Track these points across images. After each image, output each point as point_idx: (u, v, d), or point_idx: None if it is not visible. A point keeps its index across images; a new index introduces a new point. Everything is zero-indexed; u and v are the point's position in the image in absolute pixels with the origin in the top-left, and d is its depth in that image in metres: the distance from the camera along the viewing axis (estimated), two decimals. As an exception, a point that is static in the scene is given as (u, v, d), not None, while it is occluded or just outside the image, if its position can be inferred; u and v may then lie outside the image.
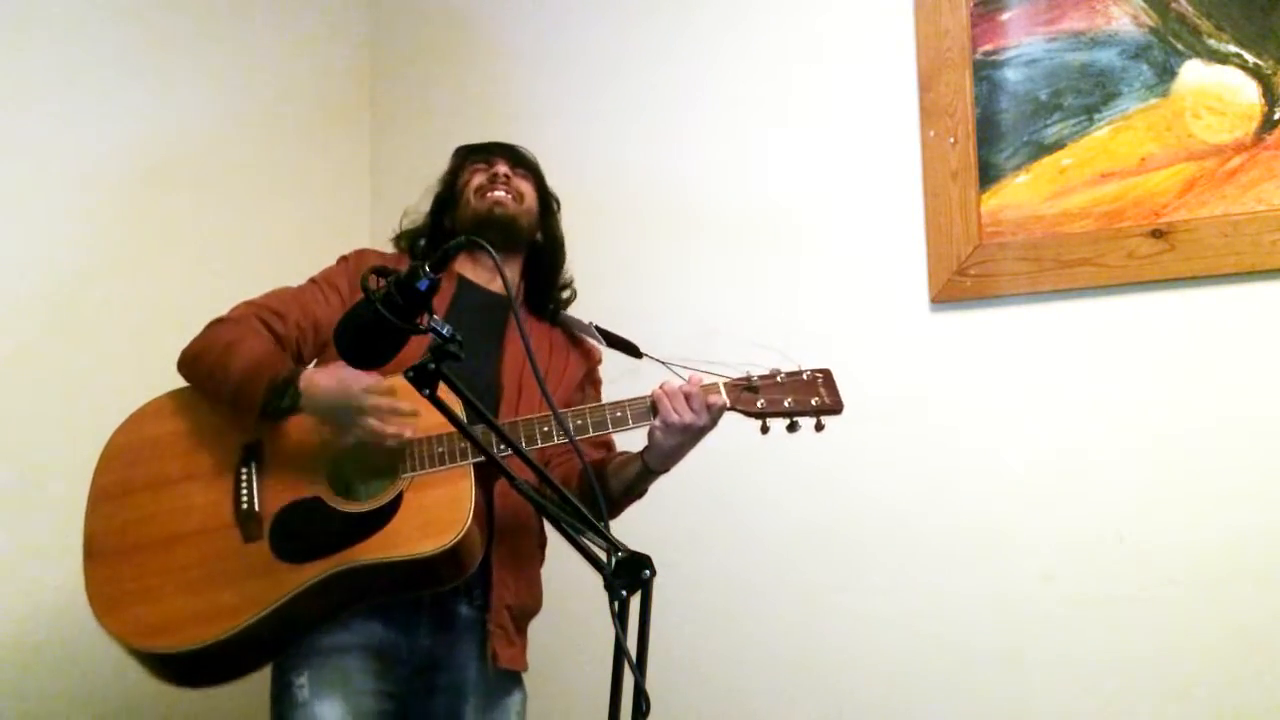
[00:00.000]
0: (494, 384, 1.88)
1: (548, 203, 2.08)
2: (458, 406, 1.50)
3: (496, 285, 1.98)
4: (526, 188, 2.03)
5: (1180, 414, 2.12)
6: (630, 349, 1.95)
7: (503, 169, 2.01)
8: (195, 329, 1.88)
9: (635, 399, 1.78)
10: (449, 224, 2.03)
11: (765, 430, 1.78)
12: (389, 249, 2.09)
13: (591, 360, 2.06)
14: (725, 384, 1.79)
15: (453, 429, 1.68)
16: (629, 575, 1.27)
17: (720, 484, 2.46)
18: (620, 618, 1.25)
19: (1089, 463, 2.17)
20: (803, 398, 1.78)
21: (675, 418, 1.74)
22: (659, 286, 2.61)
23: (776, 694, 2.38)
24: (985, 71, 2.33)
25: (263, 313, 1.86)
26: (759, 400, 1.78)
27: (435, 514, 1.69)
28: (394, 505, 1.71)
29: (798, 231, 2.49)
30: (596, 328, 2.01)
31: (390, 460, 1.73)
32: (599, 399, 2.05)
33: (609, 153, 2.73)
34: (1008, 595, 2.20)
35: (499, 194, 1.98)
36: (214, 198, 2.62)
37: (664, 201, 2.65)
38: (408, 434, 1.71)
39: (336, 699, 1.72)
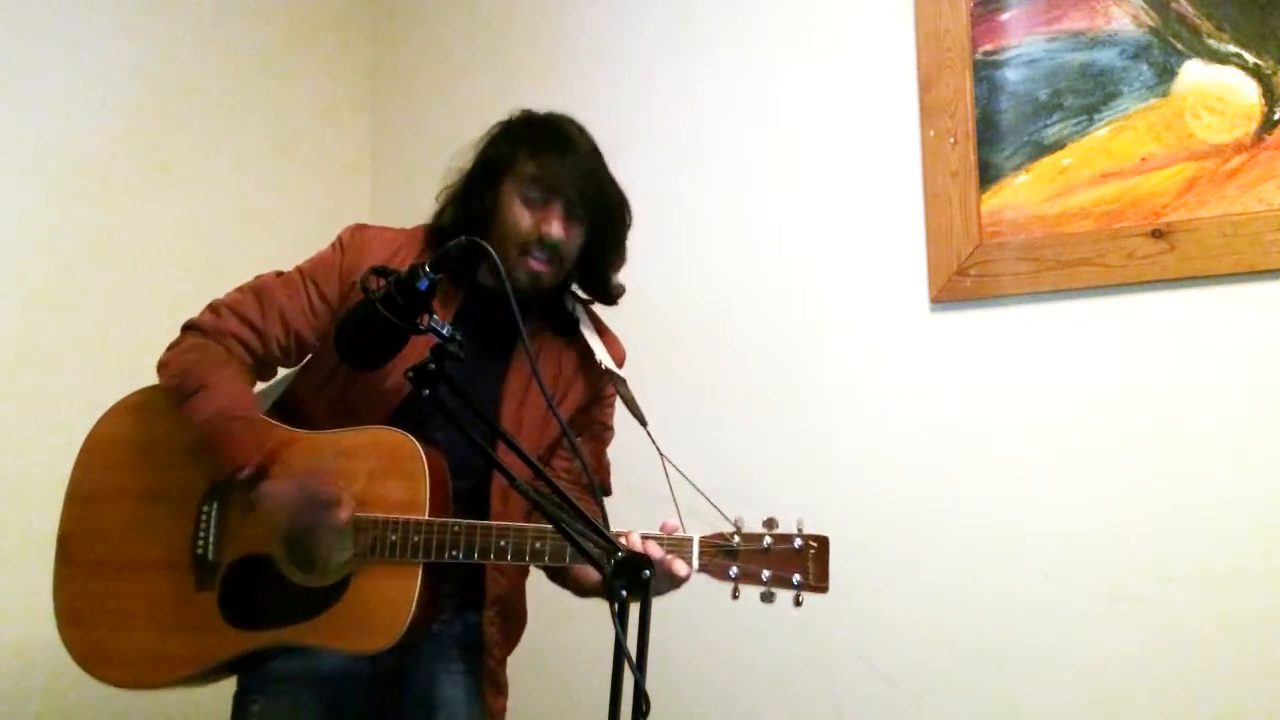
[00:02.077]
0: (492, 412, 1.76)
1: (600, 241, 1.82)
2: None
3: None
4: (574, 241, 1.78)
5: (1180, 414, 2.11)
6: (638, 416, 1.81)
7: (557, 232, 1.74)
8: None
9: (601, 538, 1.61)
10: (478, 230, 1.73)
11: (735, 596, 1.57)
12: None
13: (601, 382, 1.89)
14: (701, 541, 1.60)
15: (414, 511, 1.64)
16: (629, 575, 1.27)
17: (719, 483, 2.46)
18: (620, 618, 1.25)
19: (1089, 462, 2.17)
20: (784, 572, 1.56)
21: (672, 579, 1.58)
22: (657, 285, 2.61)
23: (776, 694, 2.38)
24: (985, 71, 2.33)
25: (242, 331, 1.75)
26: (732, 568, 1.57)
27: (374, 613, 1.63)
28: (341, 587, 1.65)
29: (797, 231, 2.50)
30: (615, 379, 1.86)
31: (345, 536, 1.66)
32: (607, 423, 1.94)
33: (608, 152, 2.73)
34: (1008, 595, 2.20)
35: (539, 267, 1.75)
36: (213, 194, 2.62)
37: (662, 201, 2.65)
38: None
39: None
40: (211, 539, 1.71)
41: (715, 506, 1.64)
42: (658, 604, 1.28)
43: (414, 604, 1.61)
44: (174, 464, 1.75)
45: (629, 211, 1.87)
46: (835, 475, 2.38)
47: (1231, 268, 2.09)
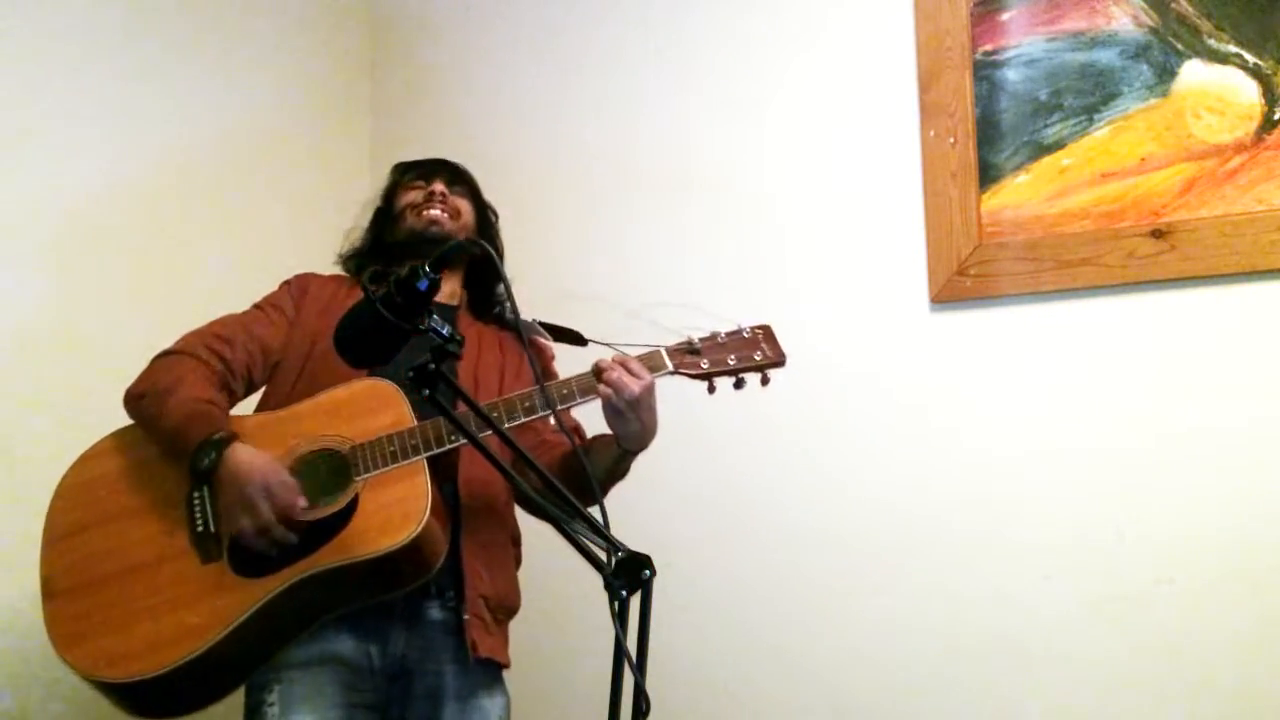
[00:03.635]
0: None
1: (485, 216, 2.11)
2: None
3: (443, 295, 1.92)
4: (464, 205, 2.06)
5: (1180, 414, 2.11)
6: (575, 338, 1.93)
7: (439, 187, 2.03)
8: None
9: (580, 375, 1.79)
10: (389, 240, 2.04)
11: (712, 390, 1.80)
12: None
13: (544, 357, 2.05)
14: (667, 349, 1.81)
15: (402, 427, 1.72)
16: (629, 575, 1.27)
17: (720, 484, 2.47)
18: (620, 618, 1.25)
19: (1089, 463, 2.17)
20: (745, 354, 1.81)
21: (626, 390, 1.73)
22: (656, 287, 2.61)
23: (776, 694, 2.38)
24: (985, 71, 2.33)
25: (211, 341, 1.86)
26: (702, 361, 1.80)
27: (393, 511, 1.68)
28: (351, 508, 1.69)
29: (798, 231, 2.50)
30: (539, 322, 1.98)
31: (343, 465, 1.73)
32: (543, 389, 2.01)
33: (608, 153, 2.74)
34: (1007, 595, 2.20)
35: (434, 212, 2.00)
36: (211, 196, 2.62)
37: (663, 200, 2.66)
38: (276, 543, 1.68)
39: (306, 716, 1.71)
40: (210, 514, 1.72)
41: (661, 348, 1.81)
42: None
43: (428, 493, 1.68)
44: (153, 477, 1.77)
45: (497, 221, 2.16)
46: (835, 475, 2.38)
47: (1231, 268, 2.09)
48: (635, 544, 1.29)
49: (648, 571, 1.26)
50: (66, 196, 2.32)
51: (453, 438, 1.70)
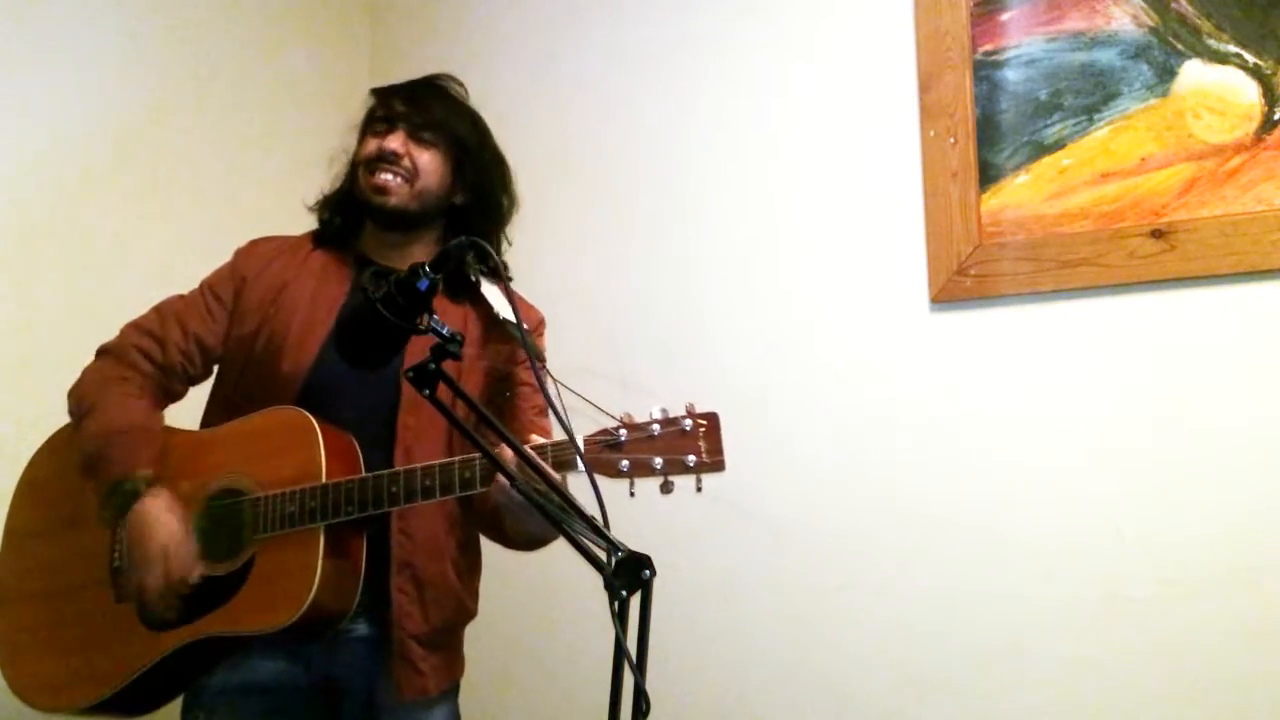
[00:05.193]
0: (392, 391, 1.73)
1: (469, 163, 1.83)
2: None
3: (417, 255, 1.76)
4: (426, 159, 1.79)
5: (1180, 414, 2.11)
6: (533, 355, 1.67)
7: (394, 144, 1.78)
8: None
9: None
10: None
11: (632, 494, 1.51)
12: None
13: (515, 341, 1.82)
14: (586, 440, 1.52)
15: (307, 482, 1.63)
16: (629, 575, 1.26)
17: (720, 484, 2.46)
18: (620, 618, 1.25)
19: (1089, 462, 2.17)
20: (676, 455, 1.50)
21: (516, 498, 1.49)
22: (652, 285, 2.61)
23: (776, 694, 2.38)
24: (985, 71, 2.33)
25: (143, 341, 1.79)
26: (622, 461, 1.50)
27: (279, 586, 1.60)
28: (246, 569, 1.65)
29: (797, 231, 2.50)
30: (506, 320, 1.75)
31: (248, 513, 1.67)
32: (532, 383, 1.84)
33: (606, 151, 2.74)
34: (1008, 595, 2.20)
35: (383, 178, 1.77)
36: (209, 192, 2.62)
37: (661, 199, 2.65)
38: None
39: None
40: (125, 551, 1.70)
41: (598, 406, 1.53)
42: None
43: (318, 570, 1.59)
44: (86, 489, 1.76)
45: (488, 135, 1.89)
46: (834, 476, 2.38)
47: (1231, 268, 2.09)
48: (635, 544, 1.29)
49: (648, 571, 1.26)
50: (59, 188, 2.32)
51: (349, 509, 1.59)
